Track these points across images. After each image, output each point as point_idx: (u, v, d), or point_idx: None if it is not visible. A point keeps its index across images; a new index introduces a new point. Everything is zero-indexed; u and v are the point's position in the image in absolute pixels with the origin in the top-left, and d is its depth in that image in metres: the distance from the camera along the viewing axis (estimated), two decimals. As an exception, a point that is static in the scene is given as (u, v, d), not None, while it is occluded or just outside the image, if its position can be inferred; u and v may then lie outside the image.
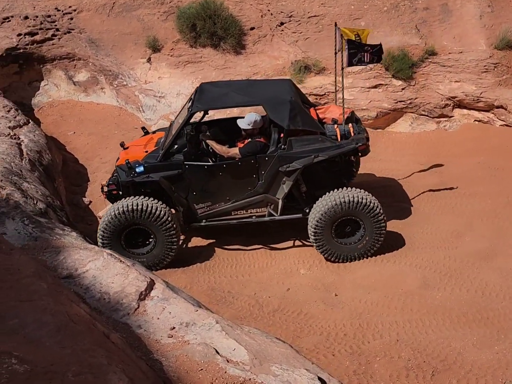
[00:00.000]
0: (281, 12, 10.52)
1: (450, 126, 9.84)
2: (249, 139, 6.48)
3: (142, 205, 6.07)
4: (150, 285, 4.26)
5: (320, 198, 6.31)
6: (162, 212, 6.12)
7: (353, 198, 6.16)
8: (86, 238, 5.79)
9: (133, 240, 6.35)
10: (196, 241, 7.10)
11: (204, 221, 6.59)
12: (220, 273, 6.53)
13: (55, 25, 10.57)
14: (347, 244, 6.42)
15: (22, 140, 7.66)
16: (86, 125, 9.86)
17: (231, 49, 10.31)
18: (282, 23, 10.51)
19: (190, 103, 6.57)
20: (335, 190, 6.29)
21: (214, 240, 7.07)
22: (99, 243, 6.10)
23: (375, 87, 9.70)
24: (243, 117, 6.68)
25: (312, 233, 6.34)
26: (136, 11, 10.77)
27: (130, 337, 3.58)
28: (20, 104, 9.76)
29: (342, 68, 6.89)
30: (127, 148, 6.85)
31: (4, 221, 5.32)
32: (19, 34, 10.27)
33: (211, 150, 6.49)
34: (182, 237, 6.99)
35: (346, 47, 6.52)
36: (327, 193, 6.29)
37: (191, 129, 6.45)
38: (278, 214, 6.51)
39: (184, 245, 7.05)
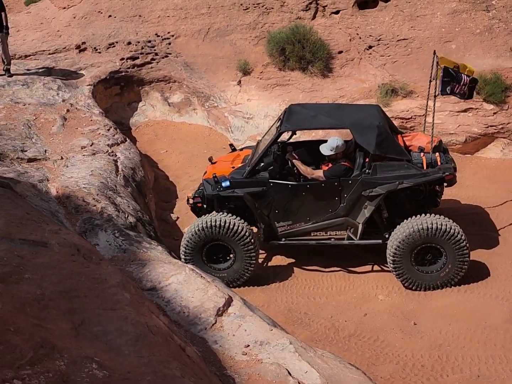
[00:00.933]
0: (370, 35, 10.52)
1: (545, 153, 9.33)
2: (334, 163, 6.55)
3: (221, 221, 6.25)
4: (228, 302, 4.39)
5: (398, 225, 6.21)
6: (240, 228, 6.27)
7: (432, 224, 5.99)
8: (171, 252, 6.08)
9: (214, 256, 6.54)
10: (276, 260, 7.21)
11: (283, 239, 6.67)
12: (297, 294, 6.58)
13: (155, 50, 11.25)
14: (428, 273, 6.25)
15: (119, 157, 8.13)
16: (178, 144, 10.33)
17: (318, 73, 10.44)
18: (370, 47, 10.50)
19: (279, 123, 6.71)
20: (415, 216, 6.15)
21: (293, 260, 7.14)
22: (182, 258, 6.36)
23: (464, 111, 9.41)
24: (326, 141, 6.75)
25: (391, 261, 6.23)
26: (229, 36, 11.21)
27: (205, 351, 3.73)
28: (119, 123, 10.40)
29: (435, 96, 6.74)
30: (215, 163, 7.11)
31: (97, 233, 5.73)
32: (122, 58, 11.00)
33: (295, 171, 6.61)
34: (262, 255, 7.14)
35: (441, 74, 6.39)
36: (406, 219, 6.17)
37: (278, 148, 6.60)
38: (357, 238, 6.45)
39: (264, 264, 7.18)
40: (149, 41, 11.31)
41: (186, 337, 3.77)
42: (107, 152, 8.09)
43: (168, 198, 8.82)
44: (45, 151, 7.69)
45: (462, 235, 6.06)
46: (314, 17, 11.30)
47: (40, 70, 10.45)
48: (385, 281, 6.65)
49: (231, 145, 7.90)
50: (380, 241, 6.50)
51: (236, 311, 4.27)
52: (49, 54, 11.11)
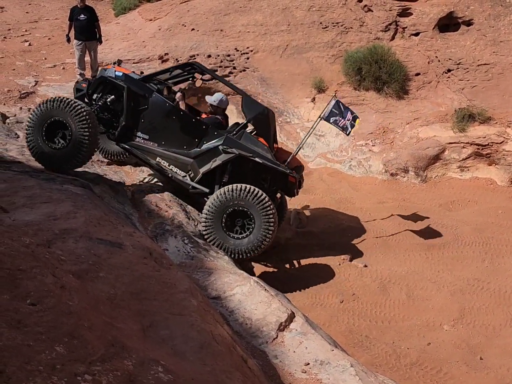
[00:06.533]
0: (449, 59, 10.31)
1: None
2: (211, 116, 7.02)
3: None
4: (290, 317, 4.40)
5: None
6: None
7: (242, 187, 6.26)
8: (237, 263, 6.17)
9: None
10: (338, 280, 7.16)
11: (133, 148, 6.82)
12: (359, 316, 6.49)
13: (233, 64, 11.52)
14: (235, 238, 6.36)
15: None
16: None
17: (394, 94, 10.33)
18: (449, 70, 10.30)
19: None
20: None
21: (356, 281, 7.07)
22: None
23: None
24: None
25: (203, 221, 6.38)
26: (306, 54, 11.31)
27: (265, 365, 3.75)
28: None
29: (319, 117, 7.09)
30: (120, 64, 7.64)
31: (167, 238, 5.90)
32: (202, 70, 11.36)
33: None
34: (323, 273, 7.10)
35: (333, 103, 7.03)
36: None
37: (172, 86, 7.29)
38: (194, 182, 6.70)
39: (326, 282, 7.14)
40: (229, 55, 11.61)
41: (247, 349, 3.81)
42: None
43: (236, 209, 8.94)
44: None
45: (269, 202, 6.26)
46: (393, 38, 11.23)
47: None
48: (452, 311, 6.45)
49: (119, 61, 8.33)
50: (207, 193, 6.67)
51: (298, 327, 4.27)
52: (134, 63, 11.61)
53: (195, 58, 11.54)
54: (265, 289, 4.82)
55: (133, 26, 13.43)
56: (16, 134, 7.80)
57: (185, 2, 13.64)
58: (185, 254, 5.56)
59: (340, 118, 7.04)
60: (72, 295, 2.83)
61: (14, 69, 11.29)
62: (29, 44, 13.02)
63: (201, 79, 7.58)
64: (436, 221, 8.54)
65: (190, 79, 7.54)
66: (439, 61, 10.49)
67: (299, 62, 11.28)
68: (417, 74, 10.55)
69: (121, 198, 6.42)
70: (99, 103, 6.67)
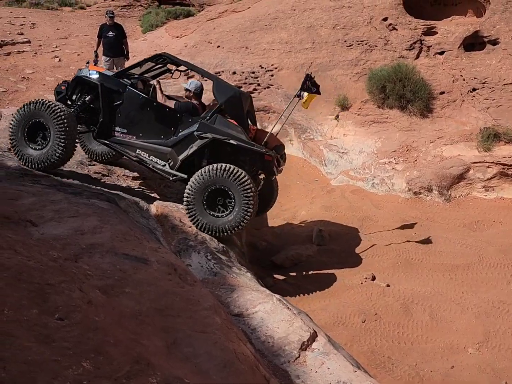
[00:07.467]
0: (475, 78, 10.27)
1: None
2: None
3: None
4: (313, 337, 4.35)
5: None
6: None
7: (222, 166, 6.27)
8: (259, 280, 6.17)
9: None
10: (360, 299, 7.11)
11: (113, 144, 6.88)
12: (382, 336, 6.42)
13: (257, 80, 11.63)
14: (217, 216, 6.37)
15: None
16: (272, 173, 10.52)
17: (418, 112, 10.31)
18: (474, 89, 10.24)
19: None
20: None
21: (378, 300, 7.01)
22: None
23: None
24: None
25: (185, 200, 6.40)
26: (330, 71, 11.37)
27: (287, 384, 3.74)
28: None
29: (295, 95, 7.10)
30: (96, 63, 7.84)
31: (190, 254, 5.93)
32: (227, 87, 11.50)
33: (153, 95, 7.02)
34: (344, 292, 7.05)
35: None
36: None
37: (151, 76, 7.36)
38: (173, 170, 6.71)
39: (348, 302, 7.10)
40: (253, 72, 11.72)
41: (269, 368, 3.80)
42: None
43: (259, 225, 8.97)
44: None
45: (248, 180, 6.26)
46: (417, 57, 11.23)
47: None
48: (476, 334, 6.35)
49: (95, 58, 8.49)
50: (186, 176, 6.66)
51: (320, 347, 4.23)
52: (161, 78, 11.79)
53: (220, 75, 11.68)
54: (288, 307, 4.80)
55: (160, 42, 13.65)
56: (44, 148, 7.97)
57: (211, 19, 13.85)
58: (208, 270, 5.57)
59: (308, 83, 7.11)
60: (98, 311, 2.87)
61: (44, 84, 11.57)
62: (59, 60, 13.34)
63: (177, 70, 7.63)
64: (460, 241, 8.44)
65: (168, 71, 7.74)
66: (464, 80, 10.44)
67: (323, 79, 11.31)
68: (442, 93, 10.52)
69: (146, 213, 6.48)
70: (78, 103, 6.89)
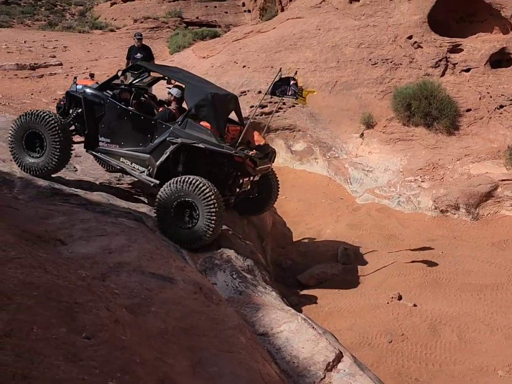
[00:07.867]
0: (502, 95, 10.17)
1: None
2: (166, 107, 7.14)
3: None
4: (338, 357, 4.31)
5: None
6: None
7: (187, 179, 6.23)
8: (284, 299, 6.16)
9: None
10: (387, 319, 7.03)
11: (100, 153, 7.09)
12: (409, 357, 6.33)
13: (283, 100, 11.69)
14: (182, 227, 6.28)
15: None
16: (297, 191, 10.55)
17: (444, 130, 10.24)
18: (501, 106, 10.15)
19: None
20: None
21: (405, 320, 6.92)
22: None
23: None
24: None
25: (155, 211, 6.37)
26: (355, 90, 11.39)
27: (312, 405, 3.72)
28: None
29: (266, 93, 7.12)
30: (92, 78, 7.98)
31: (216, 273, 5.97)
32: (252, 106, 11.60)
33: (136, 106, 7.17)
34: (367, 312, 6.98)
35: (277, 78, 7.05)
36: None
37: (138, 88, 7.34)
38: (151, 177, 6.76)
39: (374, 321, 7.03)
40: (278, 91, 11.81)
41: (294, 388, 3.79)
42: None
43: (284, 243, 8.98)
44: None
45: (210, 192, 6.17)
46: (443, 74, 11.19)
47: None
48: (506, 355, 6.20)
49: (92, 75, 8.53)
50: (158, 182, 6.69)
51: (346, 368, 4.19)
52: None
53: (245, 94, 11.82)
54: (313, 327, 4.78)
55: (187, 63, 13.89)
56: (74, 167, 8.15)
57: (237, 40, 14.05)
58: (233, 289, 5.59)
59: (285, 86, 7.10)
60: (125, 330, 2.92)
61: (73, 105, 11.83)
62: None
63: (154, 76, 7.81)
64: (489, 261, 8.30)
65: (163, 79, 7.83)
66: (491, 97, 10.36)
67: (348, 98, 11.36)
68: (468, 110, 10.44)
69: (172, 232, 6.55)
70: (73, 115, 7.25)
